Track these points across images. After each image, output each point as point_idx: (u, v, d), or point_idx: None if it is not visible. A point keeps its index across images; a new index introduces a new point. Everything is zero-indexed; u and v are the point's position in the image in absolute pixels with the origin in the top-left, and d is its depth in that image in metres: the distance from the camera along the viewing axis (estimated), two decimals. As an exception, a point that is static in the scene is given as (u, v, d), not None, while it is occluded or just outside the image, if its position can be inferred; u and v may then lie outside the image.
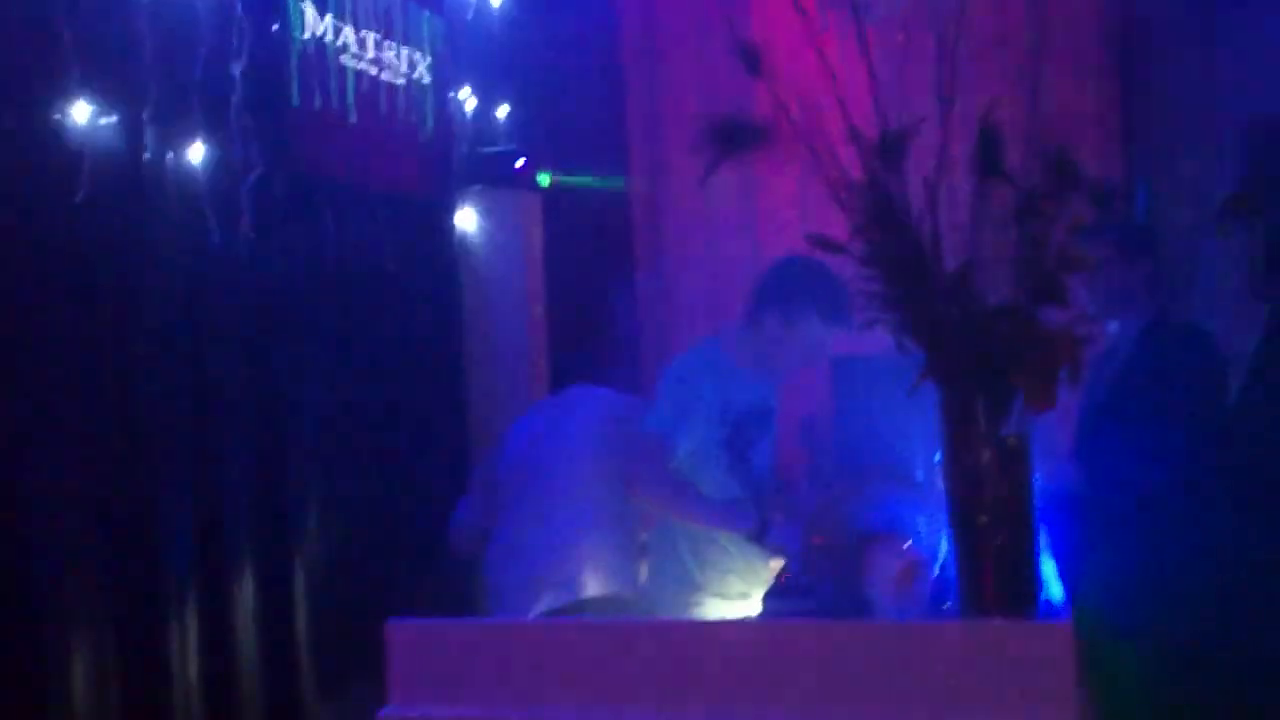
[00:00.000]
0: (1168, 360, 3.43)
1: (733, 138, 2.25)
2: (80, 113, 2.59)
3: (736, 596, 3.36)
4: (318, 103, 3.37)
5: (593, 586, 3.39)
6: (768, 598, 3.19)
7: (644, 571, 3.57)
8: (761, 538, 3.21)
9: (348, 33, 3.49)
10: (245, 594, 3.18)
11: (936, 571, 2.71)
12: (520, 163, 4.30)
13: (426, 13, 3.96)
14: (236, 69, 2.95)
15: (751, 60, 2.30)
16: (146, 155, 2.82)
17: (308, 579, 3.41)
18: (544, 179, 4.56)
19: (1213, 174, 4.51)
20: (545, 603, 3.39)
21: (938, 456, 2.37)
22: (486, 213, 4.33)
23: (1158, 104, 4.59)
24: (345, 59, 3.49)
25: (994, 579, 2.19)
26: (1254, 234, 4.41)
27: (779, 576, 3.24)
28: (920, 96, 2.34)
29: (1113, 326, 3.47)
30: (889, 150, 2.16)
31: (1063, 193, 2.09)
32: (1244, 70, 4.44)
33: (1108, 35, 4.54)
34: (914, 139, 2.21)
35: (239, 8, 2.99)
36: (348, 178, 3.57)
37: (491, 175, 4.30)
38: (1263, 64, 4.41)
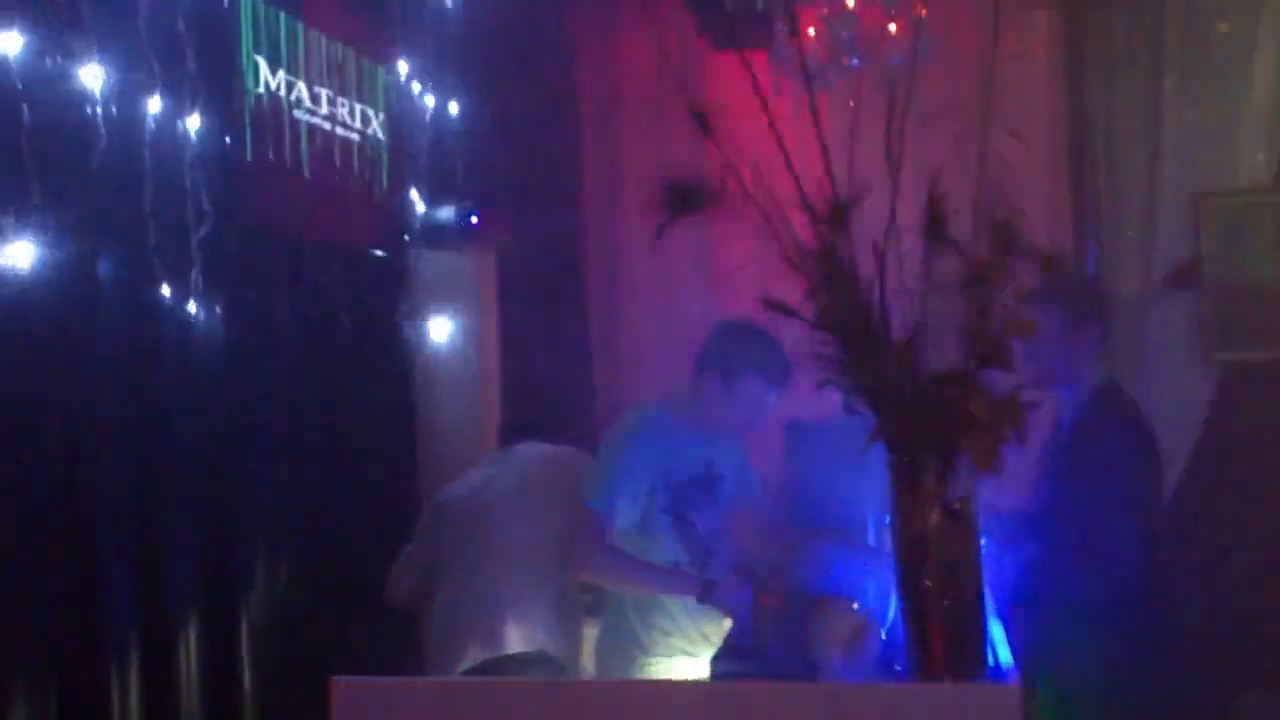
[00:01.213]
0: (1111, 429, 3.46)
1: (684, 200, 2.27)
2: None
3: (683, 658, 3.35)
4: (271, 157, 3.36)
5: (517, 642, 3.38)
6: (716, 660, 3.18)
7: (592, 632, 3.56)
8: (706, 598, 3.20)
9: (301, 88, 3.49)
10: (189, 652, 3.12)
11: (884, 633, 2.72)
12: (474, 219, 4.31)
13: (381, 69, 3.97)
14: (188, 122, 2.94)
15: (703, 122, 2.32)
16: (97, 210, 2.80)
17: (253, 636, 3.36)
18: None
19: (1162, 240, 4.58)
20: (470, 657, 3.37)
21: (888, 519, 2.38)
22: (440, 268, 4.33)
23: (1107, 170, 4.66)
24: (299, 113, 3.49)
25: (942, 641, 2.20)
26: (1201, 300, 4.49)
27: (727, 639, 3.23)
28: (871, 161, 2.37)
29: (1062, 391, 3.50)
30: (838, 215, 2.18)
31: (1008, 259, 2.12)
32: (1189, 137, 4.53)
33: (1059, 101, 4.62)
34: (863, 204, 2.24)
35: (191, 61, 2.98)
36: (301, 232, 3.55)
37: (446, 231, 4.30)
38: (1207, 132, 4.51)
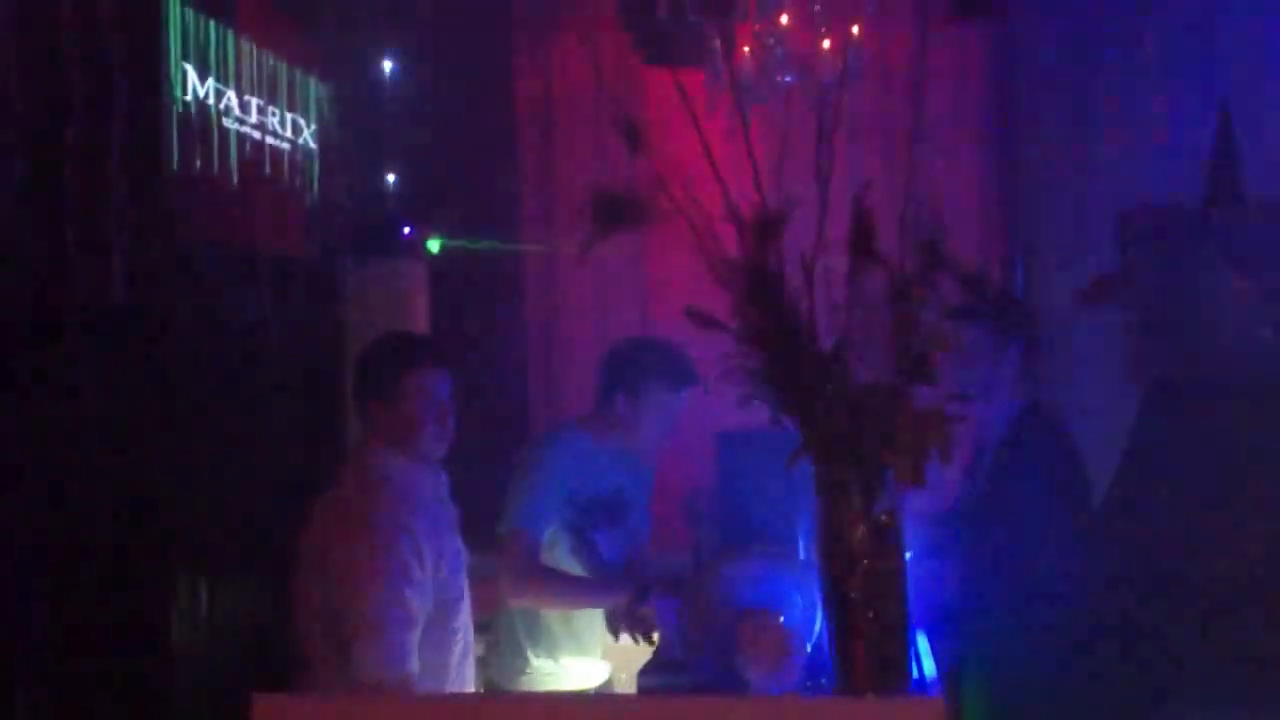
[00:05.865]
0: (1036, 449, 3.50)
1: (613, 213, 2.27)
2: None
3: (569, 670, 3.37)
4: (198, 166, 3.32)
5: None
6: (643, 673, 3.17)
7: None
8: (640, 603, 3.19)
9: (230, 96, 3.45)
10: (108, 667, 3.07)
11: (811, 647, 2.72)
12: (407, 230, 4.28)
13: (312, 78, 3.94)
14: (112, 130, 2.89)
15: (632, 138, 2.32)
16: (16, 217, 2.75)
17: (176, 649, 3.31)
18: (434, 245, 4.54)
19: (1089, 257, 4.64)
20: None
21: (816, 531, 2.38)
22: (371, 280, 4.29)
23: (1032, 187, 4.72)
24: (228, 122, 3.45)
25: (866, 655, 2.21)
26: (1127, 317, 4.54)
27: (655, 652, 3.23)
28: (803, 177, 2.38)
29: (986, 408, 3.53)
30: (765, 229, 2.19)
31: (933, 275, 2.14)
32: (1117, 155, 4.59)
33: (988, 120, 4.67)
34: (791, 219, 2.25)
35: (116, 68, 2.94)
36: (228, 243, 3.51)
37: (378, 242, 4.26)
38: (1135, 150, 4.58)
